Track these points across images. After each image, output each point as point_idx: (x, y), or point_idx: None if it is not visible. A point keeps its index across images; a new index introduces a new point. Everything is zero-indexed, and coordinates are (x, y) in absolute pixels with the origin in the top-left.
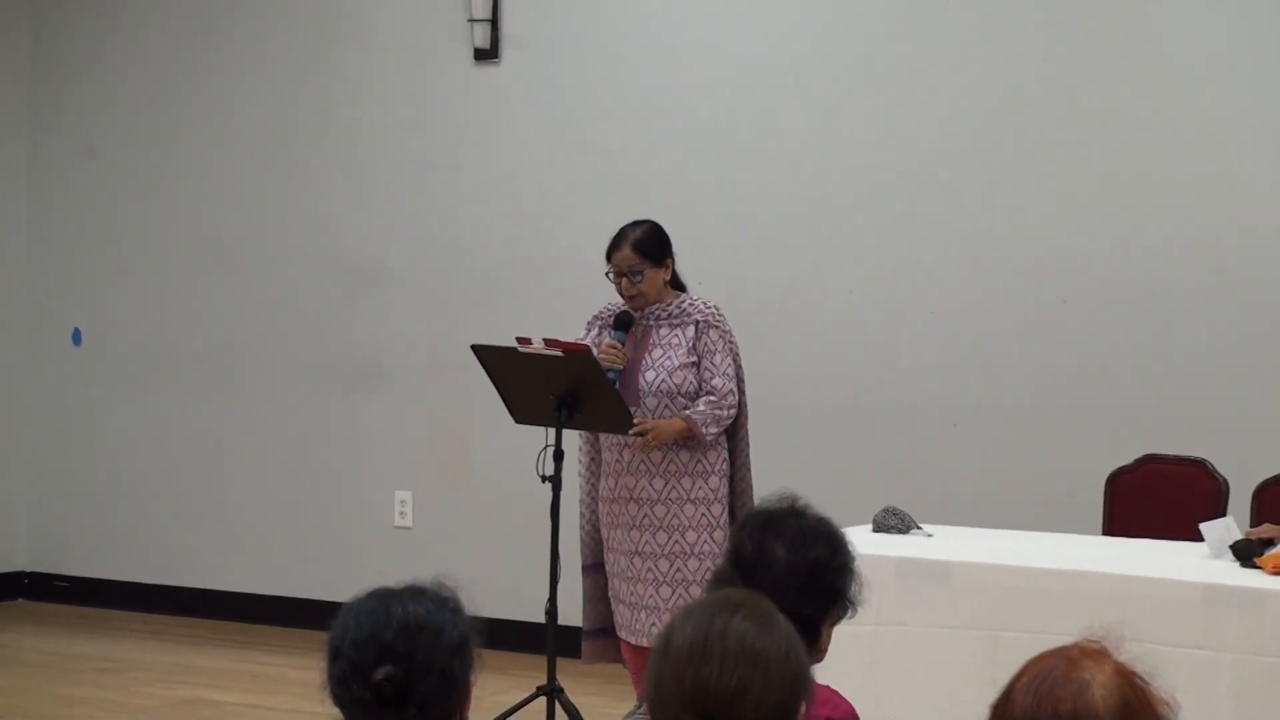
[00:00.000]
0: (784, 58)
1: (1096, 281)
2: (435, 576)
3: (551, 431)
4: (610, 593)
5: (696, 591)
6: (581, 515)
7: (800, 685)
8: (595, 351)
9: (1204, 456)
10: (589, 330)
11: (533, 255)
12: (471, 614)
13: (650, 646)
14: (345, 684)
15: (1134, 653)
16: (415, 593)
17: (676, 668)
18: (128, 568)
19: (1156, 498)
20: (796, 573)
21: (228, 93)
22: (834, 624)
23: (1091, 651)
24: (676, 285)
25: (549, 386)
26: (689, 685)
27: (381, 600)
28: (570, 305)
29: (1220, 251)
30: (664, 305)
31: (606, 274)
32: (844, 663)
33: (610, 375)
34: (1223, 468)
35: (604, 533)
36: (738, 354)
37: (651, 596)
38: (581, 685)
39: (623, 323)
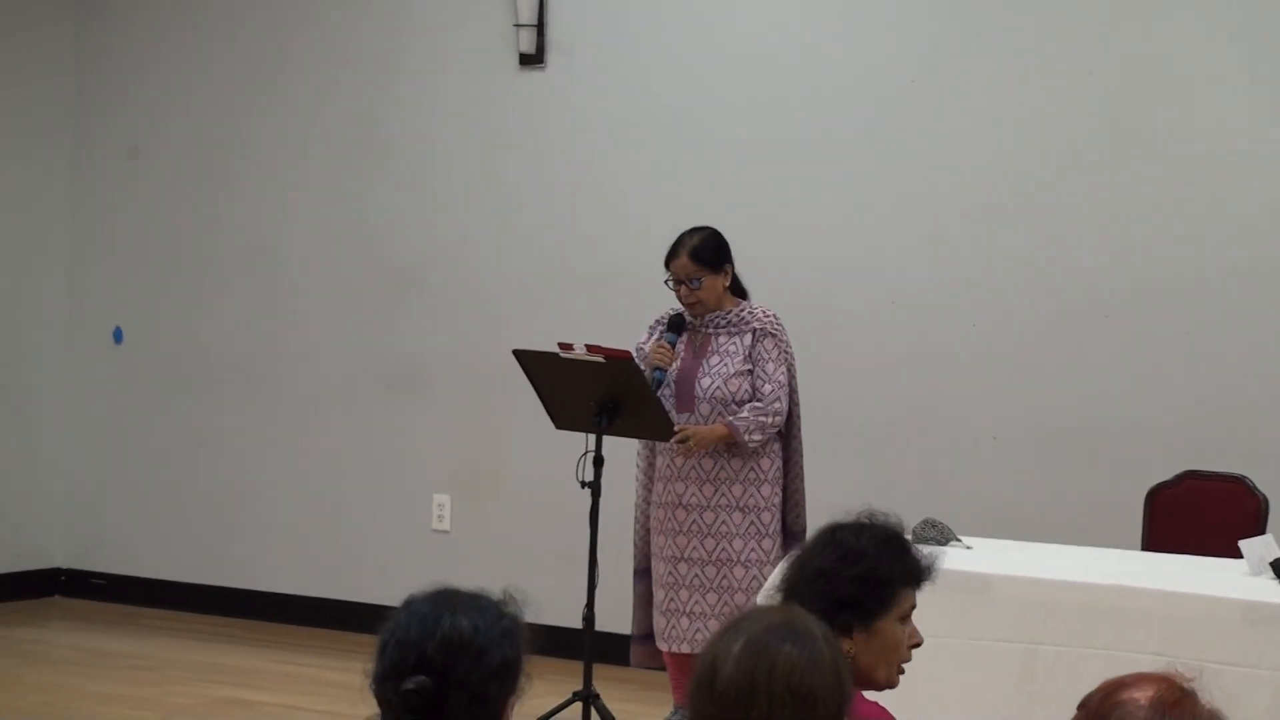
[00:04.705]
0: (830, 71)
1: (1138, 296)
2: (506, 589)
3: (591, 437)
4: (654, 601)
5: (742, 599)
6: (636, 520)
7: (844, 716)
8: (638, 356)
9: (1244, 474)
10: (651, 333)
11: (575, 261)
12: (524, 641)
13: (692, 652)
14: (383, 682)
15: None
16: (472, 605)
17: (722, 711)
18: (164, 566)
19: (1196, 514)
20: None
21: (270, 96)
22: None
23: (1152, 678)
24: (738, 291)
25: (590, 392)
26: None
27: (436, 606)
28: (613, 312)
29: (1263, 268)
30: (723, 313)
31: (666, 281)
32: None
33: (657, 375)
34: (1263, 485)
35: (652, 538)
36: (793, 363)
37: (697, 602)
38: (619, 691)
39: (676, 325)
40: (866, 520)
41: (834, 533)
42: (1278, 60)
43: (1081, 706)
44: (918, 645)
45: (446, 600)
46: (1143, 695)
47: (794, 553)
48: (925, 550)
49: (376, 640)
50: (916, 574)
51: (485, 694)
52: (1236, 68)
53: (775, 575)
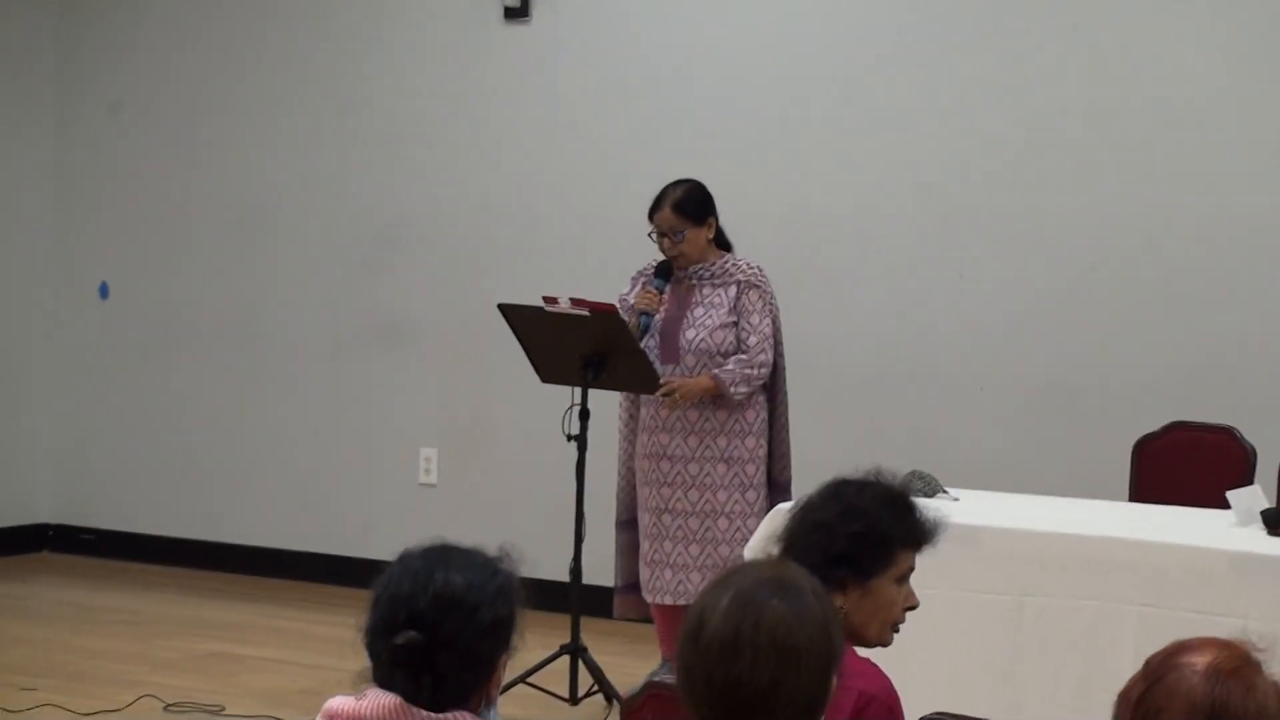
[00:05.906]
0: (816, 27)
1: (1125, 248)
2: (502, 546)
3: (577, 390)
4: (640, 552)
5: (726, 551)
6: (619, 471)
7: (831, 673)
8: (622, 309)
9: (1232, 424)
10: (633, 285)
11: (559, 216)
12: (519, 599)
13: (674, 604)
14: (374, 636)
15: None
16: (467, 561)
17: (707, 663)
18: (152, 521)
19: (1184, 465)
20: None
21: (253, 52)
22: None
23: (1215, 644)
24: (722, 244)
25: (575, 346)
26: (719, 683)
27: (429, 561)
28: (597, 267)
29: (1251, 220)
30: (707, 265)
31: (649, 234)
32: None
33: (643, 320)
34: (1251, 435)
35: (637, 489)
36: (778, 316)
37: (680, 554)
38: (605, 644)
39: (664, 271)
40: (873, 478)
41: (839, 488)
42: (1258, 15)
43: (1146, 664)
44: (913, 608)
45: (441, 556)
46: (1201, 660)
47: (797, 503)
48: (931, 513)
49: (370, 594)
50: (917, 536)
51: (477, 651)
52: (1218, 23)
53: (762, 528)
